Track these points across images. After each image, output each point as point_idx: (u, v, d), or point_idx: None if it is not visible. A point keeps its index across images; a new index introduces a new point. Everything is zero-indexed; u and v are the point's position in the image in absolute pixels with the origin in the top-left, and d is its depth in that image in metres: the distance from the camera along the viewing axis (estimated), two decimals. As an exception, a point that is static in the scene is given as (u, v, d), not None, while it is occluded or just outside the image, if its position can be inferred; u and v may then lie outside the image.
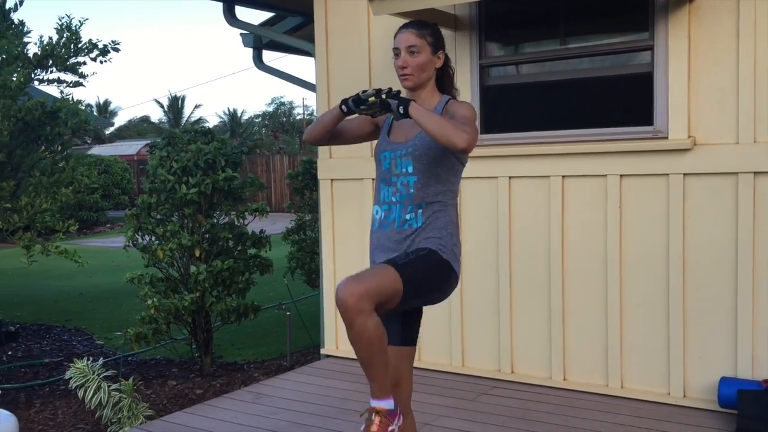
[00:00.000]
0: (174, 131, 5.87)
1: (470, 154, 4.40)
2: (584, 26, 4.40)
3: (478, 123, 4.44)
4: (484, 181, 4.55)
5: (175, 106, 39.97)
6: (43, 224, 6.49)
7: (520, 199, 4.45)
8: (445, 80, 2.77)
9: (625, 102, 4.29)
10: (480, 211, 4.58)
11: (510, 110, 4.62)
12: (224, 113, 42.97)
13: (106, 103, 43.11)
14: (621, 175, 4.13)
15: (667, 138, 4.00)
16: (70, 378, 4.47)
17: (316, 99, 5.17)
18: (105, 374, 4.54)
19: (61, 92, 6.51)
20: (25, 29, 6.79)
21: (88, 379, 4.44)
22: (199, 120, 39.52)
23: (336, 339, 5.17)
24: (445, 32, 4.52)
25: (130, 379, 4.51)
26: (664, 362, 4.08)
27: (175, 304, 5.47)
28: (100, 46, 6.47)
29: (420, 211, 2.59)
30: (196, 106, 64.06)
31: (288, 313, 5.97)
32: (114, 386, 4.46)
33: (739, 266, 3.86)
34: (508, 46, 4.69)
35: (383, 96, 2.50)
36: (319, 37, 5.10)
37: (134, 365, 6.25)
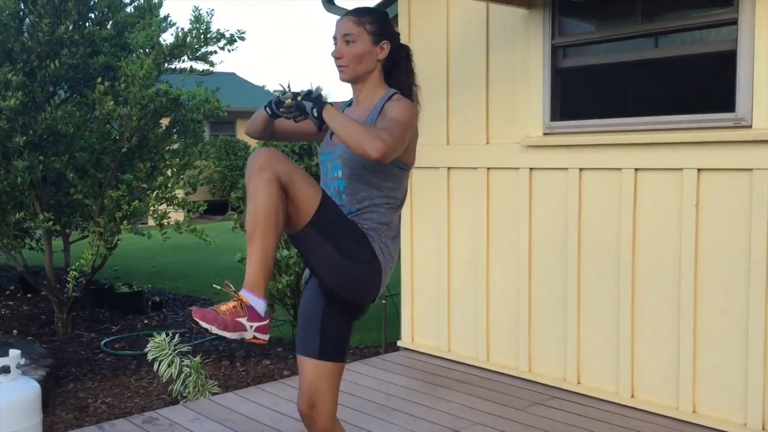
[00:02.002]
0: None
1: (538, 144, 4.11)
2: (663, 1, 3.86)
3: (546, 110, 4.10)
4: (554, 174, 4.17)
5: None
6: (176, 204, 6.96)
7: (590, 193, 4.03)
8: (398, 74, 2.48)
9: (704, 86, 3.72)
10: (549, 207, 4.21)
11: (582, 95, 4.20)
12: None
13: (317, 90, 45.51)
14: (698, 169, 3.59)
15: (750, 127, 3.42)
16: (149, 351, 4.75)
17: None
18: (181, 350, 4.77)
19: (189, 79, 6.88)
20: (169, 22, 7.30)
21: (163, 353, 4.70)
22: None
23: (412, 332, 5.04)
24: (518, 11, 4.24)
25: (198, 357, 4.70)
26: (741, 386, 3.52)
27: (270, 286, 5.63)
28: (227, 35, 6.76)
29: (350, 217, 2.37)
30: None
31: (383, 301, 5.91)
32: (186, 362, 4.67)
33: (832, 282, 3.22)
34: (582, 24, 4.24)
35: (299, 98, 2.30)
36: (402, 21, 4.95)
37: (244, 342, 6.52)
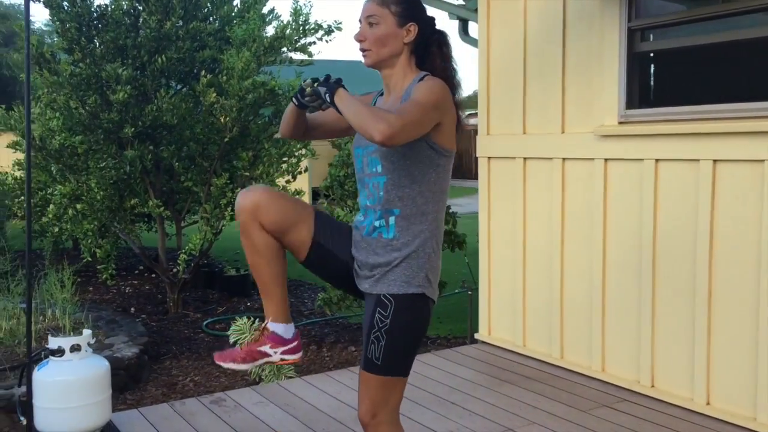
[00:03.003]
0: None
1: (613, 133, 3.92)
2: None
3: (622, 98, 3.89)
4: (628, 165, 3.95)
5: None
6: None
7: (666, 186, 3.79)
8: (432, 61, 2.34)
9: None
10: (624, 200, 4.00)
11: (660, 81, 3.94)
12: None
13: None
14: (781, 161, 3.30)
15: (837, 114, 3.09)
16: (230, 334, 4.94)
17: (477, 67, 4.92)
18: (261, 334, 4.92)
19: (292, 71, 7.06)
20: (275, 15, 7.52)
21: (243, 336, 4.86)
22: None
23: (489, 324, 4.96)
24: (593, -7, 4.03)
25: (274, 342, 4.83)
26: (823, 401, 3.21)
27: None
28: (325, 26, 6.88)
29: (392, 219, 2.25)
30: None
31: (469, 293, 5.84)
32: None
33: None
34: (661, 5, 3.97)
35: (315, 85, 2.23)
36: (482, 10, 4.83)
37: (339, 327, 6.66)
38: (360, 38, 2.31)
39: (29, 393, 3.40)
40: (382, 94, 2.45)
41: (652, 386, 3.92)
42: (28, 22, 3.36)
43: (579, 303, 4.30)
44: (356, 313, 6.77)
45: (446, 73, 2.34)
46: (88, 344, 3.53)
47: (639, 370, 3.97)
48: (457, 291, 6.75)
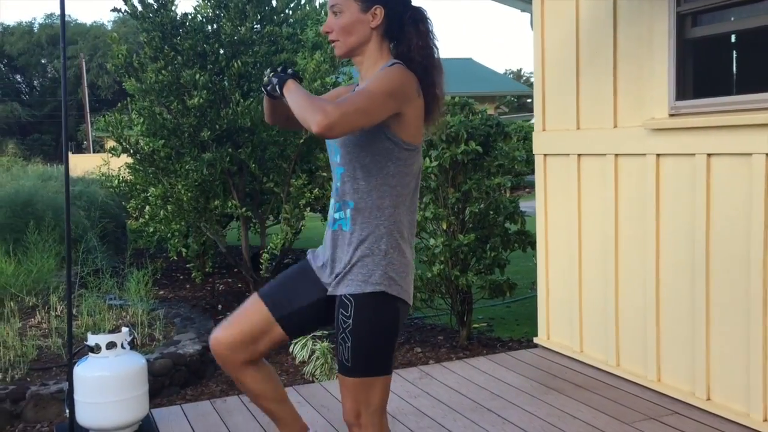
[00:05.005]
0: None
1: (663, 127, 3.67)
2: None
3: (672, 88, 3.65)
4: (680, 160, 3.67)
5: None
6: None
7: (718, 182, 3.49)
8: (408, 40, 2.22)
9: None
10: (676, 199, 3.72)
11: (712, 69, 3.62)
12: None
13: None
14: (838, 154, 2.95)
15: None
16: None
17: (533, 62, 4.72)
18: (314, 334, 4.96)
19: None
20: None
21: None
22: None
23: (547, 329, 4.75)
24: (641, -23, 3.78)
25: (325, 342, 4.85)
26: None
27: (419, 275, 5.63)
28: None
29: (349, 210, 2.21)
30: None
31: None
32: (317, 346, 4.86)
33: None
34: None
35: (271, 75, 2.21)
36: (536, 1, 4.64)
37: (413, 328, 6.60)
38: (326, 30, 2.26)
39: (70, 388, 3.57)
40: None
41: (708, 399, 3.62)
42: (63, 23, 3.52)
43: (633, 307, 4.04)
44: (427, 314, 6.70)
45: (424, 52, 2.24)
46: (126, 342, 3.66)
47: (694, 381, 3.68)
48: (532, 293, 6.54)
